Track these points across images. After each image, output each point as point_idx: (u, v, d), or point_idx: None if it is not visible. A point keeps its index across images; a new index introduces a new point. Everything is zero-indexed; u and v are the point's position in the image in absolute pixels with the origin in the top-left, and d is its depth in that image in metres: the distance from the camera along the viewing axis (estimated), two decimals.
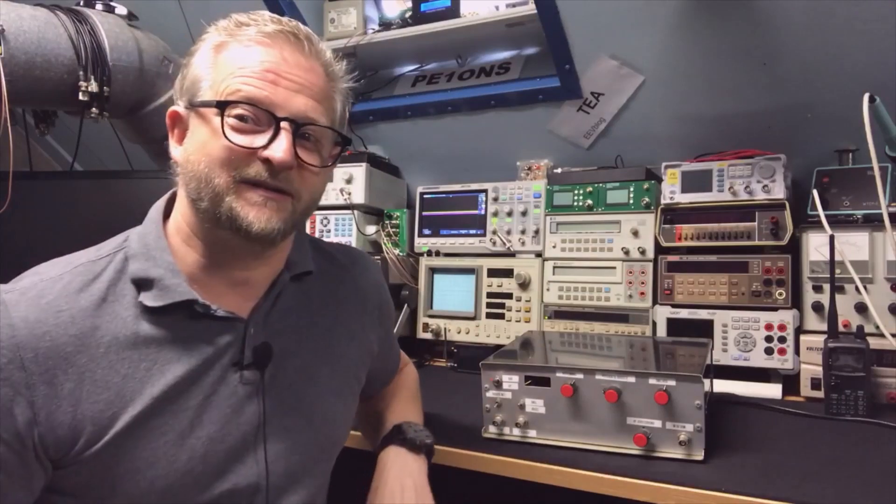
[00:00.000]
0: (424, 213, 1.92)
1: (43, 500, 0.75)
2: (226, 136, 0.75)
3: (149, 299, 0.77)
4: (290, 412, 0.86)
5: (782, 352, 1.43)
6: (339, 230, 1.94)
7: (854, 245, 1.39)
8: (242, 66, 0.77)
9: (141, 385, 0.75)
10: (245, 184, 0.77)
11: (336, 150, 0.86)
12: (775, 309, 1.46)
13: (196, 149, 0.78)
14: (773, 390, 1.45)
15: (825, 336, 1.31)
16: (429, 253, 1.89)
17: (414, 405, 1.13)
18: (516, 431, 1.15)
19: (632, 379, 1.07)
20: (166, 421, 0.76)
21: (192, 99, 0.79)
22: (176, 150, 0.82)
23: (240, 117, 0.76)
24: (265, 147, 0.76)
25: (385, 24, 1.96)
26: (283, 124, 0.76)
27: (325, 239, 1.93)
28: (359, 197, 1.92)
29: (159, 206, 0.86)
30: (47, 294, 0.74)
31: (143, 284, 0.78)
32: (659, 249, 1.60)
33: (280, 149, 0.76)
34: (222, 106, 0.76)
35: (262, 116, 0.76)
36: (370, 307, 1.01)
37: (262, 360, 0.83)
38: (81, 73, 1.53)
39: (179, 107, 0.82)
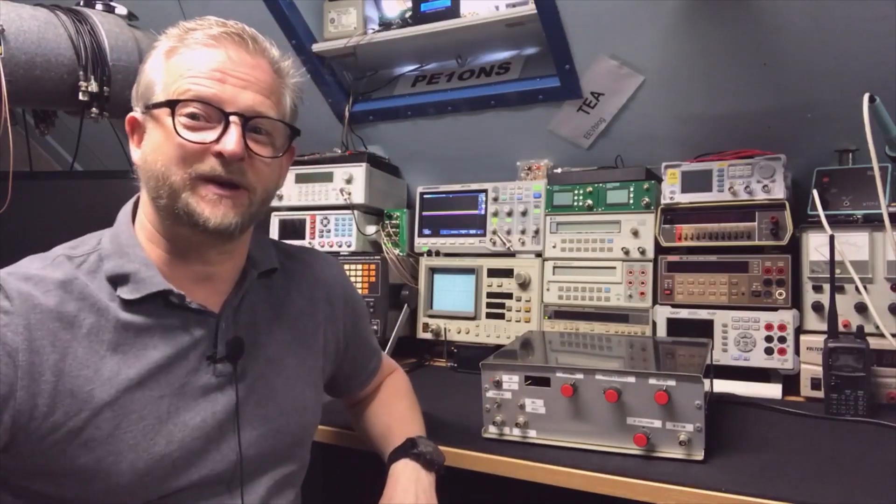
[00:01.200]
0: (424, 213, 1.92)
1: (25, 491, 0.77)
2: (178, 134, 0.79)
3: (126, 293, 0.81)
4: (262, 401, 0.90)
5: (782, 352, 1.43)
6: (338, 230, 1.94)
7: (854, 245, 1.39)
8: (191, 67, 0.81)
9: (118, 367, 0.79)
10: (200, 180, 0.81)
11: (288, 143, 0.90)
12: (775, 309, 1.46)
13: (153, 149, 0.82)
14: (773, 390, 1.45)
15: (825, 336, 1.32)
16: (429, 253, 1.89)
17: (417, 416, 1.15)
18: (516, 431, 1.15)
19: (632, 379, 1.07)
20: (144, 405, 0.79)
21: (147, 103, 0.84)
22: (135, 154, 0.86)
23: (191, 115, 0.80)
24: (216, 142, 0.80)
25: (385, 24, 1.96)
26: (233, 118, 0.80)
27: (324, 239, 1.95)
28: (359, 197, 1.92)
29: (127, 208, 0.90)
30: (34, 276, 0.78)
31: (119, 280, 0.82)
32: (659, 249, 1.60)
33: (230, 141, 0.80)
34: (172, 105, 0.80)
35: (212, 113, 0.80)
36: (334, 299, 1.06)
37: (234, 354, 0.87)
38: (81, 73, 1.53)
39: (136, 112, 0.86)
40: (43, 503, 0.77)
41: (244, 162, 0.82)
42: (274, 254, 0.98)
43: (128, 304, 0.81)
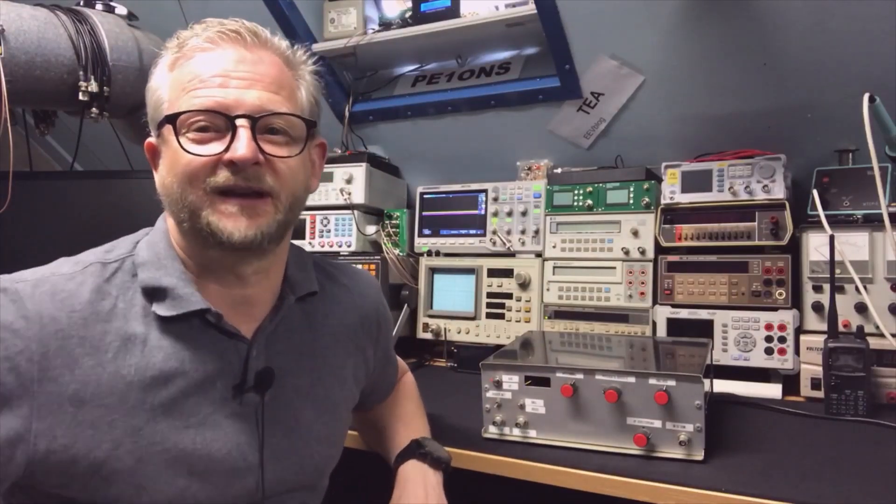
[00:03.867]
0: (424, 213, 1.92)
1: None
2: (184, 149, 0.74)
3: (162, 309, 0.76)
4: (288, 432, 0.86)
5: (782, 352, 1.43)
6: (339, 230, 1.94)
7: (854, 245, 1.39)
8: (191, 78, 0.76)
9: (143, 395, 0.74)
10: (218, 195, 0.75)
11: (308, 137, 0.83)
12: (775, 309, 1.46)
13: (167, 171, 0.78)
14: (773, 390, 1.45)
15: (825, 336, 1.31)
16: (429, 253, 1.89)
17: (422, 418, 1.14)
18: (516, 431, 1.15)
19: (632, 379, 1.07)
20: (168, 436, 0.75)
21: (156, 124, 0.80)
22: (156, 179, 0.81)
23: (201, 129, 0.75)
24: (226, 150, 0.74)
25: (385, 24, 1.96)
26: (239, 122, 0.75)
27: (324, 239, 1.95)
28: (359, 197, 1.92)
29: (166, 217, 0.84)
30: (60, 292, 0.73)
31: (155, 294, 0.77)
32: (659, 249, 1.60)
33: (240, 147, 0.74)
34: (173, 120, 0.75)
35: (219, 121, 0.75)
36: (368, 325, 1.02)
37: (263, 385, 0.82)
38: (81, 73, 1.53)
39: (152, 137, 0.82)
40: None
41: (261, 166, 0.76)
42: (314, 275, 0.93)
43: (162, 321, 0.76)
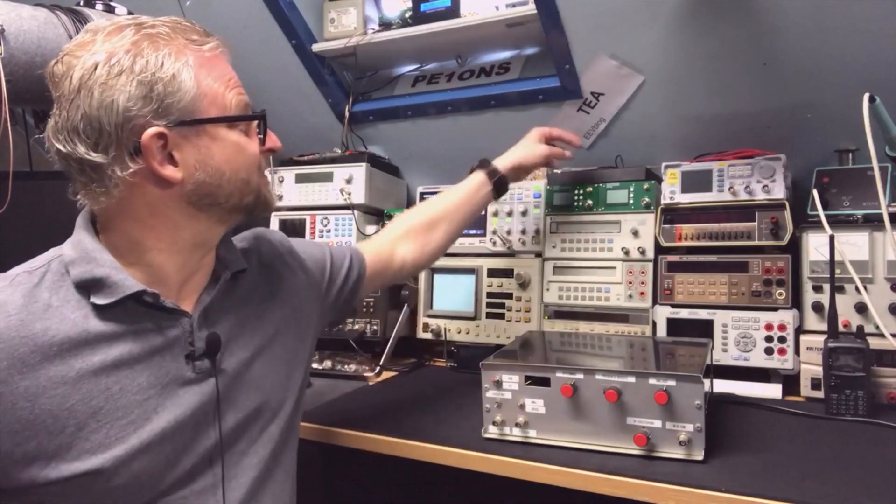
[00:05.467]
0: None
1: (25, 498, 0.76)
2: (263, 145, 0.90)
3: (99, 298, 0.80)
4: (243, 387, 0.93)
5: (782, 352, 1.43)
6: (338, 230, 1.94)
7: (854, 245, 1.39)
8: (229, 77, 0.87)
9: (95, 378, 0.78)
10: (263, 176, 0.92)
11: None
12: (775, 309, 1.46)
13: (227, 160, 0.86)
14: (773, 390, 1.45)
15: (825, 336, 1.32)
16: None
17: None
18: (516, 431, 1.15)
19: (632, 379, 1.07)
20: (130, 410, 0.80)
21: (188, 116, 0.81)
22: (169, 170, 0.81)
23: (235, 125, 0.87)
24: (262, 142, 0.91)
25: (385, 24, 1.96)
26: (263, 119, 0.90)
27: (324, 239, 1.94)
28: (359, 197, 1.92)
29: (85, 219, 0.89)
30: None
31: (89, 286, 0.81)
32: (659, 249, 1.60)
33: (275, 138, 0.93)
34: (242, 119, 0.87)
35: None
36: (280, 265, 1.08)
37: (211, 350, 0.88)
38: None
39: (159, 126, 0.79)
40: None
41: None
42: (239, 253, 1.00)
43: (100, 310, 0.80)
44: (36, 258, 0.86)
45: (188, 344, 0.87)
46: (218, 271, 0.95)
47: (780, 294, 1.45)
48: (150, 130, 0.79)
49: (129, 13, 1.70)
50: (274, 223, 2.02)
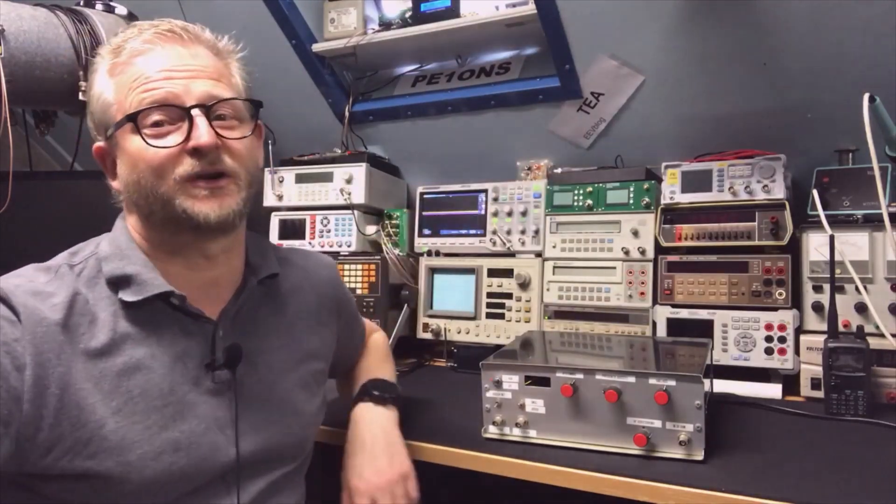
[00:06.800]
0: (424, 213, 1.92)
1: (39, 494, 0.77)
2: (149, 144, 0.79)
3: (127, 295, 0.81)
4: (261, 406, 0.91)
5: (782, 352, 1.43)
6: (338, 230, 1.94)
7: (854, 245, 1.39)
8: (136, 77, 0.81)
9: (119, 379, 0.78)
10: (187, 182, 0.81)
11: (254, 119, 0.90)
12: (775, 309, 1.46)
13: (131, 168, 0.82)
14: (773, 390, 1.45)
15: (825, 336, 1.31)
16: (429, 253, 1.89)
17: (383, 364, 1.22)
18: (516, 431, 1.15)
19: (632, 379, 1.07)
20: (148, 415, 0.79)
21: (107, 127, 0.84)
22: (115, 182, 0.87)
23: (155, 123, 0.80)
24: (187, 139, 0.80)
25: (385, 24, 1.96)
26: (194, 111, 0.81)
27: (324, 239, 1.95)
28: (359, 197, 1.92)
29: (122, 218, 0.90)
30: (41, 292, 0.78)
31: (119, 282, 0.82)
32: (659, 249, 1.60)
33: (201, 134, 0.80)
34: (133, 118, 0.80)
35: (173, 113, 0.81)
36: (327, 302, 1.08)
37: (232, 361, 0.87)
38: (81, 73, 1.53)
39: (100, 141, 0.86)
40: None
41: (219, 150, 0.82)
42: (273, 259, 0.98)
43: (127, 308, 0.81)
44: (77, 248, 0.87)
45: (209, 352, 0.86)
46: (247, 279, 0.93)
47: (780, 294, 1.45)
48: (95, 146, 0.87)
49: (129, 13, 1.71)
50: (274, 223, 2.02)
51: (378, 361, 1.22)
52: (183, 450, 0.80)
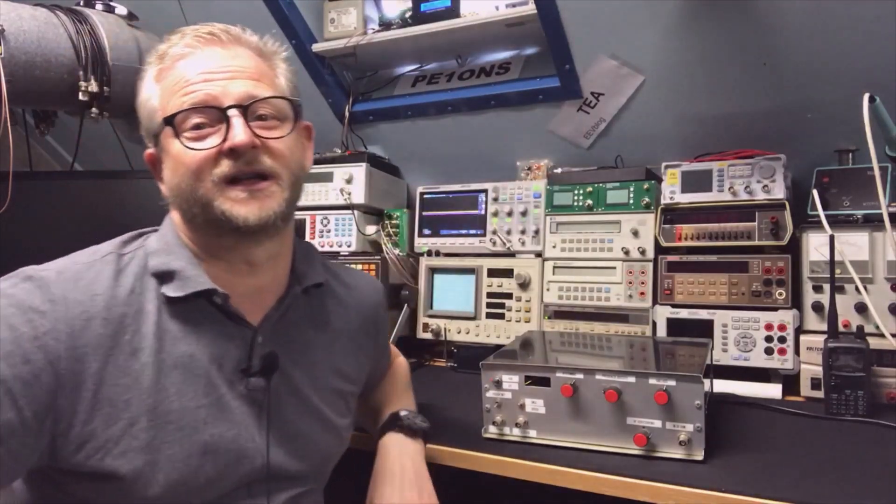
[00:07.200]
0: (424, 213, 1.92)
1: (66, 489, 0.76)
2: (187, 147, 0.79)
3: (170, 290, 0.80)
4: (294, 419, 0.89)
5: (782, 352, 1.43)
6: (339, 230, 1.94)
7: (854, 245, 1.38)
8: (177, 81, 0.81)
9: (157, 376, 0.77)
10: (226, 184, 0.80)
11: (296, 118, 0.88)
12: (775, 309, 1.46)
13: (173, 172, 0.82)
14: (773, 390, 1.45)
15: (825, 336, 1.31)
16: (429, 253, 1.89)
17: (407, 394, 1.18)
18: (516, 431, 1.15)
19: (632, 379, 1.07)
20: (182, 416, 0.78)
21: (153, 133, 0.84)
22: (163, 187, 0.87)
23: (196, 126, 0.80)
24: (224, 140, 0.79)
25: (385, 24, 1.96)
26: (231, 111, 0.80)
27: (324, 239, 1.94)
28: (359, 197, 1.92)
29: (173, 216, 0.89)
30: (82, 278, 0.77)
31: (164, 277, 0.81)
32: (659, 249, 1.60)
33: (237, 134, 0.78)
34: (170, 122, 0.80)
35: (212, 115, 0.80)
36: (368, 327, 1.06)
37: (268, 369, 0.85)
38: (81, 73, 1.53)
39: (150, 147, 0.87)
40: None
41: (258, 150, 0.80)
42: (320, 268, 0.97)
43: (171, 304, 0.80)
44: (126, 238, 0.86)
45: (246, 358, 0.84)
46: (292, 286, 0.91)
47: (780, 294, 1.45)
48: (146, 152, 0.88)
49: (130, 13, 1.71)
50: None
51: (403, 389, 1.19)
52: (211, 454, 0.79)
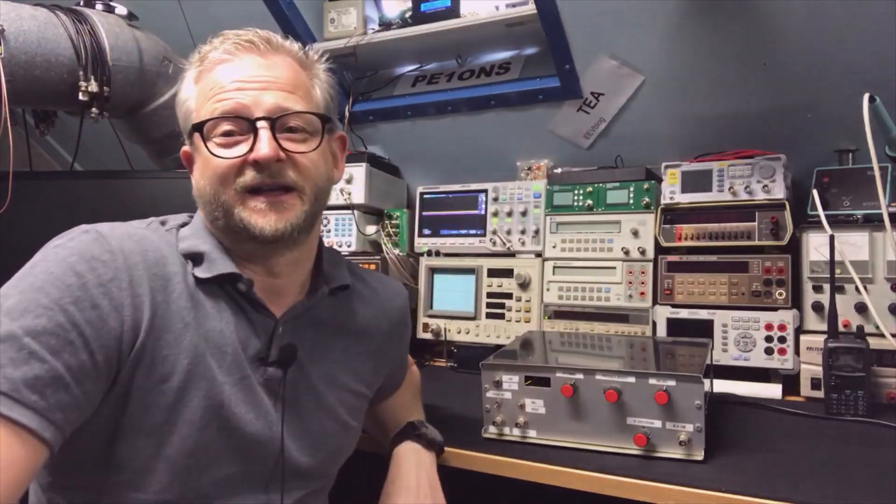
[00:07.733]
0: (424, 213, 1.92)
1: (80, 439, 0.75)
2: (213, 154, 0.81)
3: (200, 271, 0.82)
4: (307, 415, 0.90)
5: (782, 352, 1.43)
6: (339, 230, 1.94)
7: (854, 245, 1.39)
8: (213, 87, 0.83)
9: (195, 338, 0.79)
10: (248, 194, 0.81)
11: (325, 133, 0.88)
12: (775, 309, 1.46)
13: (200, 175, 0.85)
14: (773, 390, 1.45)
15: (825, 336, 1.31)
16: (429, 253, 1.89)
17: (418, 403, 1.19)
18: (516, 431, 1.15)
19: (632, 379, 1.07)
20: (210, 386, 0.79)
21: (188, 133, 0.86)
22: (193, 183, 0.88)
23: (226, 133, 0.81)
24: (250, 151, 0.80)
25: (385, 24, 1.96)
26: (260, 123, 0.81)
27: (325, 239, 1.94)
28: (359, 197, 1.92)
29: (201, 213, 0.90)
30: (135, 234, 0.80)
31: (195, 258, 0.83)
32: (659, 249, 1.60)
33: (262, 147, 0.79)
34: (200, 128, 0.82)
35: (242, 125, 0.81)
36: (392, 332, 1.06)
37: (285, 361, 0.86)
38: (81, 73, 1.53)
39: (186, 145, 0.89)
40: (91, 462, 0.76)
41: (284, 163, 0.81)
42: (346, 272, 0.98)
43: (200, 283, 0.82)
44: (164, 218, 0.89)
45: (265, 347, 0.85)
46: (319, 286, 0.92)
47: (780, 294, 1.45)
48: (182, 150, 0.90)
49: (130, 13, 1.71)
50: None
51: (414, 398, 1.20)
52: (227, 430, 0.80)
